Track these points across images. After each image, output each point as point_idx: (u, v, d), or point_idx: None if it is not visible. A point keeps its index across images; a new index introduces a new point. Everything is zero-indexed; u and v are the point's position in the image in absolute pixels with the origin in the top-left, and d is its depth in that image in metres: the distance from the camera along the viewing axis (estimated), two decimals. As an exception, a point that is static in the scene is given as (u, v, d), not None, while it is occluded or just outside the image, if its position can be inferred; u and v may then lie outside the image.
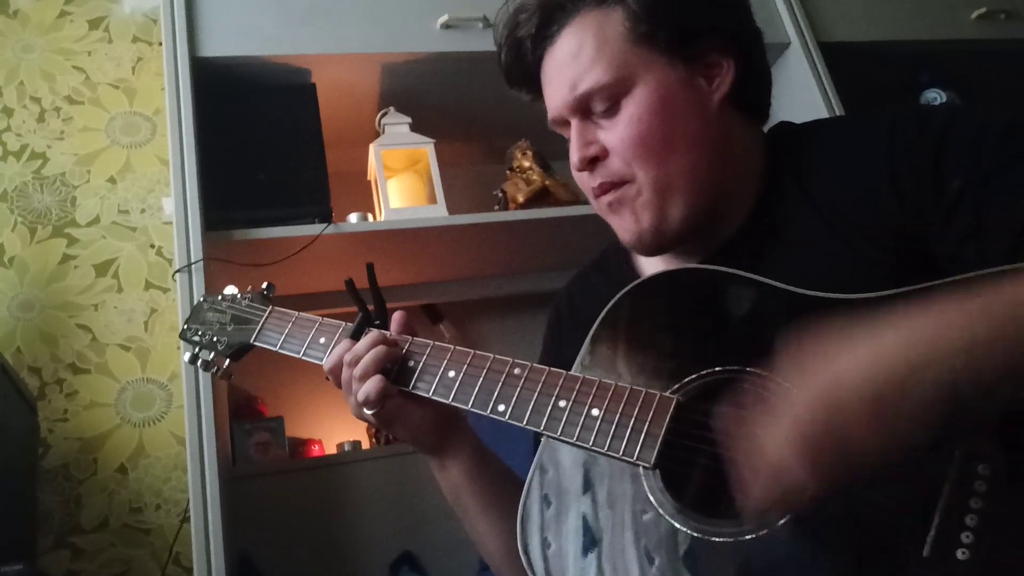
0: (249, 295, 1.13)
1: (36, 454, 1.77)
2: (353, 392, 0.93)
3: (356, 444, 1.88)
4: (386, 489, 1.75)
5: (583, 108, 0.94)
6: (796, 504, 0.67)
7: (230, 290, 1.15)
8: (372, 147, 1.86)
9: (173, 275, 1.90)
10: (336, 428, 1.95)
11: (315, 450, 1.90)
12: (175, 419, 1.90)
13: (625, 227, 0.95)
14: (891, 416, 0.62)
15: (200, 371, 1.23)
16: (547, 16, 0.95)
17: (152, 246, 2.06)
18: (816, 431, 0.63)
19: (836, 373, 0.65)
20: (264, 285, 1.13)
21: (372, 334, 0.95)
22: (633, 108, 0.91)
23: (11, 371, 1.60)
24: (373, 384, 0.91)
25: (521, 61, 1.00)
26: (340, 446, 1.89)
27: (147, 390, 1.92)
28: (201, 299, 1.18)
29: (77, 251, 2.00)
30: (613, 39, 0.92)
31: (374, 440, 1.93)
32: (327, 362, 0.97)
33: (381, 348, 0.93)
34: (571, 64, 0.93)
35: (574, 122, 0.95)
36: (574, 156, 0.95)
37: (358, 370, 0.92)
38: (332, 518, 1.70)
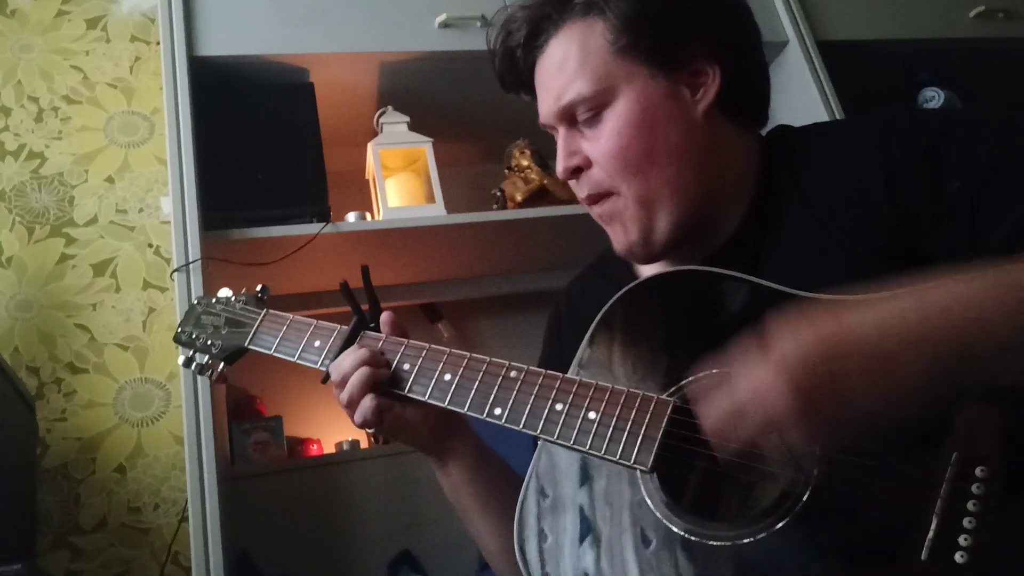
0: (244, 297, 1.12)
1: (35, 454, 1.77)
2: (349, 412, 0.94)
3: (355, 443, 1.88)
4: (385, 488, 1.75)
5: (568, 117, 0.95)
6: (772, 427, 0.65)
7: (224, 292, 1.14)
8: (370, 146, 1.86)
9: (171, 274, 1.90)
10: (335, 427, 1.95)
11: (314, 449, 1.90)
12: (173, 419, 1.90)
13: (616, 238, 0.97)
14: (897, 372, 0.63)
15: (195, 374, 1.22)
16: (535, 27, 0.97)
17: (150, 245, 2.05)
18: (812, 366, 0.63)
19: (841, 324, 0.65)
20: (259, 287, 1.12)
21: (356, 354, 0.94)
22: (614, 121, 0.92)
23: (9, 371, 1.60)
24: (367, 404, 0.91)
25: (514, 69, 1.01)
26: (339, 445, 1.89)
27: (145, 390, 1.92)
28: (195, 302, 1.17)
29: (75, 251, 2.00)
30: (595, 51, 0.93)
31: (372, 439, 1.93)
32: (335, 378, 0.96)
33: (365, 371, 0.92)
34: (556, 75, 0.95)
35: (561, 130, 0.97)
36: (559, 165, 0.97)
37: (344, 396, 0.92)
38: (331, 517, 1.71)
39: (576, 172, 0.96)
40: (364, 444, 1.92)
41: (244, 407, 1.89)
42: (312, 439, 1.92)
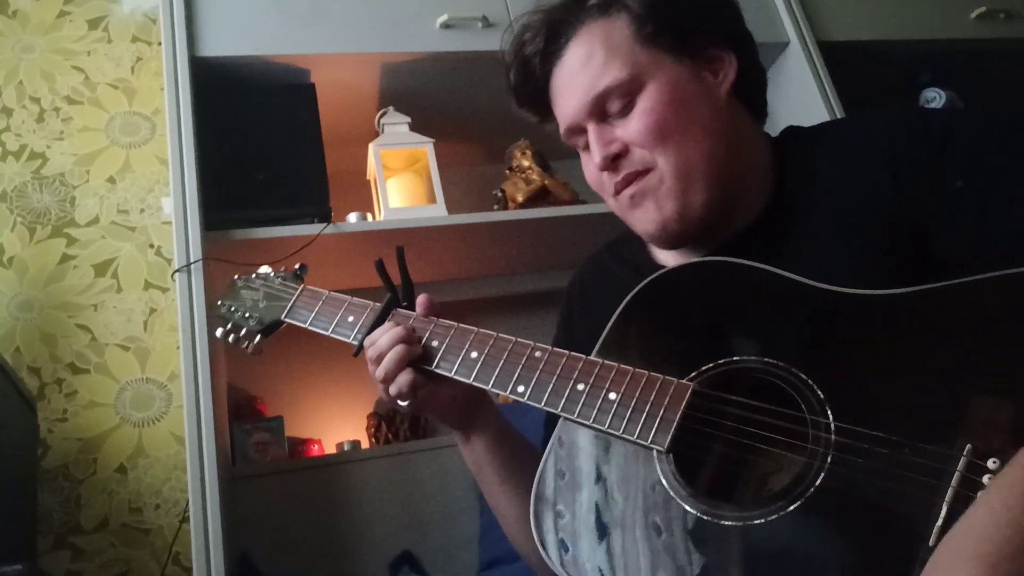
0: (283, 274, 1.15)
1: (35, 454, 1.76)
2: (384, 387, 0.96)
3: (355, 444, 1.88)
4: (385, 489, 1.75)
5: (599, 111, 0.96)
6: None
7: (264, 269, 1.18)
8: (371, 147, 1.86)
9: (172, 275, 1.89)
10: (335, 428, 1.95)
11: (314, 450, 1.89)
12: (174, 419, 1.90)
13: (649, 218, 0.96)
14: None
15: (231, 345, 1.23)
16: (553, 32, 0.98)
17: (151, 246, 2.06)
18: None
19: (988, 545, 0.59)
20: (297, 266, 1.16)
21: (393, 332, 0.96)
22: (647, 101, 0.94)
23: (10, 371, 1.60)
24: (404, 379, 0.94)
25: (530, 79, 1.02)
26: (339, 446, 1.88)
27: (146, 390, 1.92)
28: (236, 277, 1.20)
29: (76, 251, 2.00)
30: (621, 43, 0.95)
31: (373, 440, 1.93)
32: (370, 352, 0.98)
33: (401, 348, 0.95)
34: (583, 71, 0.96)
35: (591, 126, 0.97)
36: (596, 156, 0.97)
37: (381, 372, 0.95)
38: (332, 518, 1.70)
39: (615, 160, 0.96)
40: (365, 444, 1.92)
41: (245, 407, 1.88)
42: (313, 439, 1.91)
